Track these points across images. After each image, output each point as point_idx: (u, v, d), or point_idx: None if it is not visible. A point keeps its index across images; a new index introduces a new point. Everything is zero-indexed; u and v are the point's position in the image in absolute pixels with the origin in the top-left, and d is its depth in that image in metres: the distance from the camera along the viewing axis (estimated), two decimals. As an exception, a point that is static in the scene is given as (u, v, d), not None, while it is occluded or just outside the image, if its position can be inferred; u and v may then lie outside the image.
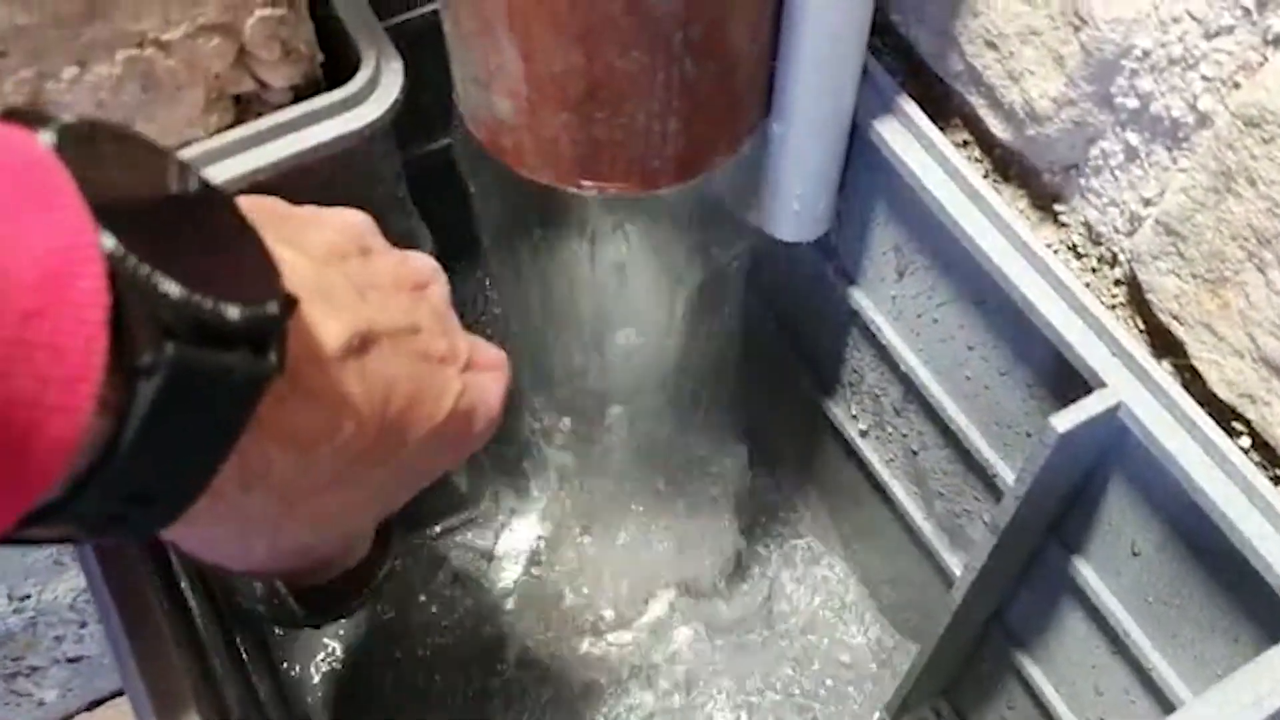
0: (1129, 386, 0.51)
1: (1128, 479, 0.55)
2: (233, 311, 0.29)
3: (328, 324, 0.36)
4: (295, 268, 0.36)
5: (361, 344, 0.38)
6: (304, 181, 0.61)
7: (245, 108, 0.60)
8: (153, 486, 0.30)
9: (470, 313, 0.97)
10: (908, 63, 0.63)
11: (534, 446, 0.94)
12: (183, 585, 0.56)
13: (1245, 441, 0.52)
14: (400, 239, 0.71)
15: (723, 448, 0.90)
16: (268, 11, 0.55)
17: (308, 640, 0.92)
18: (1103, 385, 0.52)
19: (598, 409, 0.86)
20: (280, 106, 0.60)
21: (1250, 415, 0.51)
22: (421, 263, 0.47)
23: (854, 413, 0.80)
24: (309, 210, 0.45)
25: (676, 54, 0.51)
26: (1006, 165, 0.60)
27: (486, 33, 0.52)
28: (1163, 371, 0.52)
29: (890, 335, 0.70)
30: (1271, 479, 0.52)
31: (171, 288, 0.28)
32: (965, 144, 0.62)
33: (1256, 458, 0.52)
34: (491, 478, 0.99)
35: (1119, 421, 0.52)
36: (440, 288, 0.47)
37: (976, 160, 0.62)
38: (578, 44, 0.50)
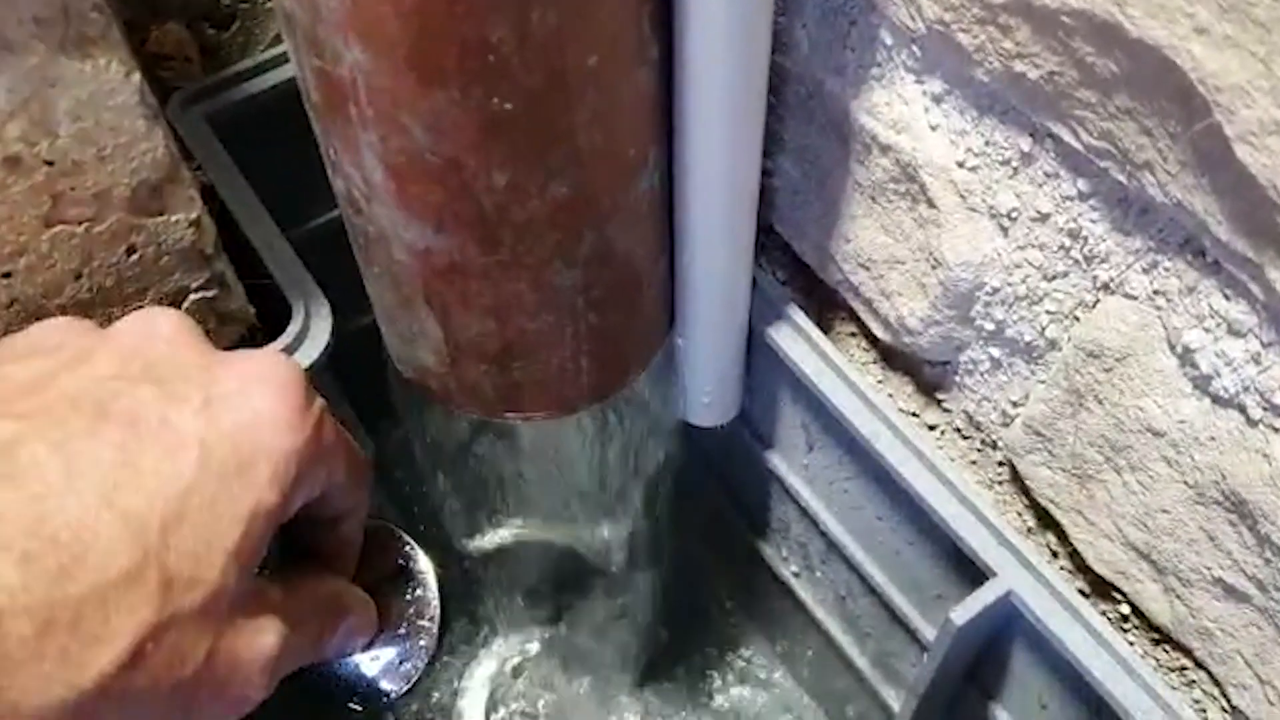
0: (1017, 575, 0.57)
1: (1027, 644, 0.60)
2: None
3: None
4: None
5: None
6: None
7: (186, 368, 0.64)
8: None
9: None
10: (794, 263, 0.69)
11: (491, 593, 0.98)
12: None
13: (1125, 608, 0.58)
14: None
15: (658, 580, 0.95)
16: (201, 294, 0.59)
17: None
18: (994, 574, 0.57)
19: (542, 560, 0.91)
20: (219, 363, 0.64)
21: (1125, 589, 0.57)
22: (133, 327, 0.44)
23: (785, 555, 0.85)
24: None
25: (581, 312, 0.56)
26: (891, 356, 0.66)
27: (407, 306, 0.57)
28: (1045, 559, 0.57)
29: (807, 497, 0.75)
30: (1151, 640, 0.58)
31: None
32: (853, 335, 0.68)
33: (1136, 622, 0.58)
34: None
35: (1010, 606, 0.57)
36: (164, 342, 0.43)
37: (864, 349, 0.67)
38: (490, 315, 0.55)
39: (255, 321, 0.65)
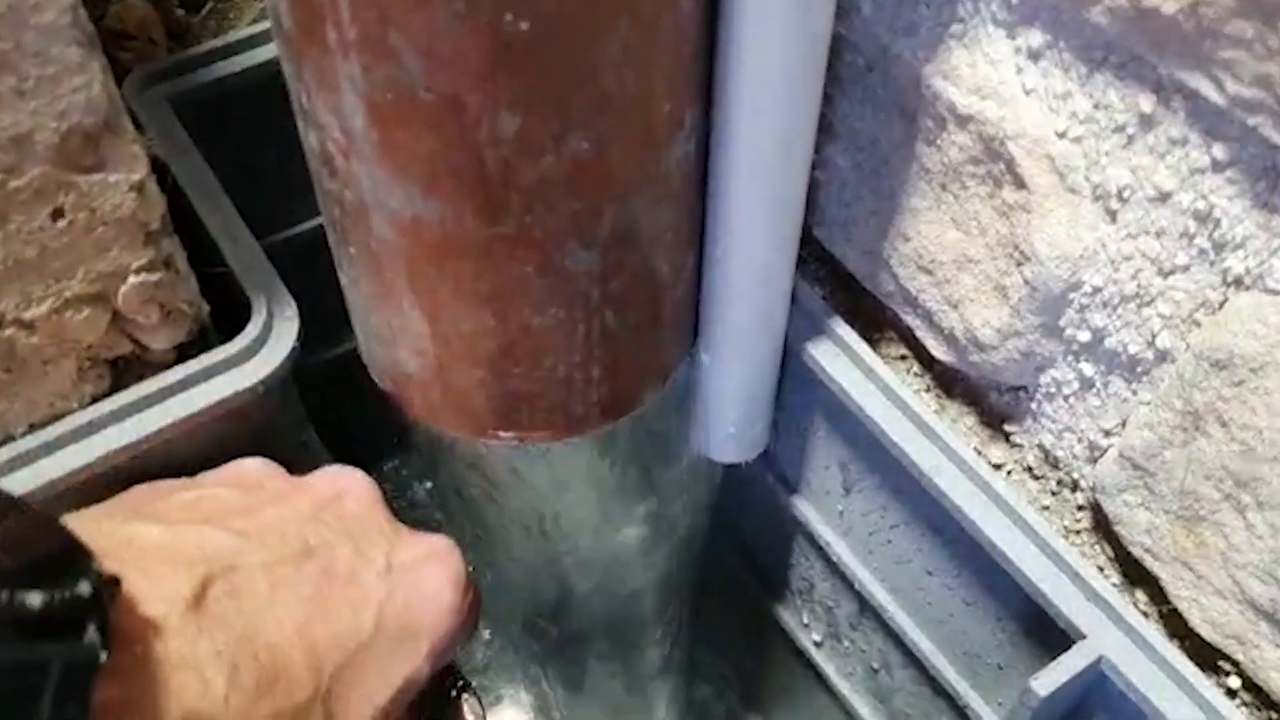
0: (1109, 637, 0.47)
1: (1114, 726, 0.51)
2: (34, 599, 0.29)
3: (165, 583, 0.36)
4: (138, 538, 0.38)
5: (204, 589, 0.38)
6: (193, 444, 0.56)
7: (124, 371, 0.54)
8: None
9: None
10: (834, 275, 0.60)
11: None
12: None
13: (1234, 681, 0.48)
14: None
15: (662, 658, 0.84)
16: (143, 277, 0.50)
17: None
18: (1082, 636, 0.48)
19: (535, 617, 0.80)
20: (163, 366, 0.54)
21: (1238, 657, 0.47)
22: (326, 481, 0.48)
23: (806, 622, 0.75)
24: (184, 480, 0.48)
25: (596, 307, 0.47)
26: (949, 383, 0.57)
27: (387, 296, 0.48)
28: (1142, 617, 0.48)
29: (840, 550, 0.65)
30: (1267, 723, 0.48)
31: None
32: (903, 358, 0.59)
33: (1248, 698, 0.48)
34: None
35: (1101, 673, 0.48)
36: (353, 501, 0.47)
37: (916, 375, 0.58)
38: (486, 306, 0.46)
39: (208, 320, 0.56)
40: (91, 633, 0.30)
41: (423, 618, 0.44)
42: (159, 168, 0.57)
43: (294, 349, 0.56)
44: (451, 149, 0.40)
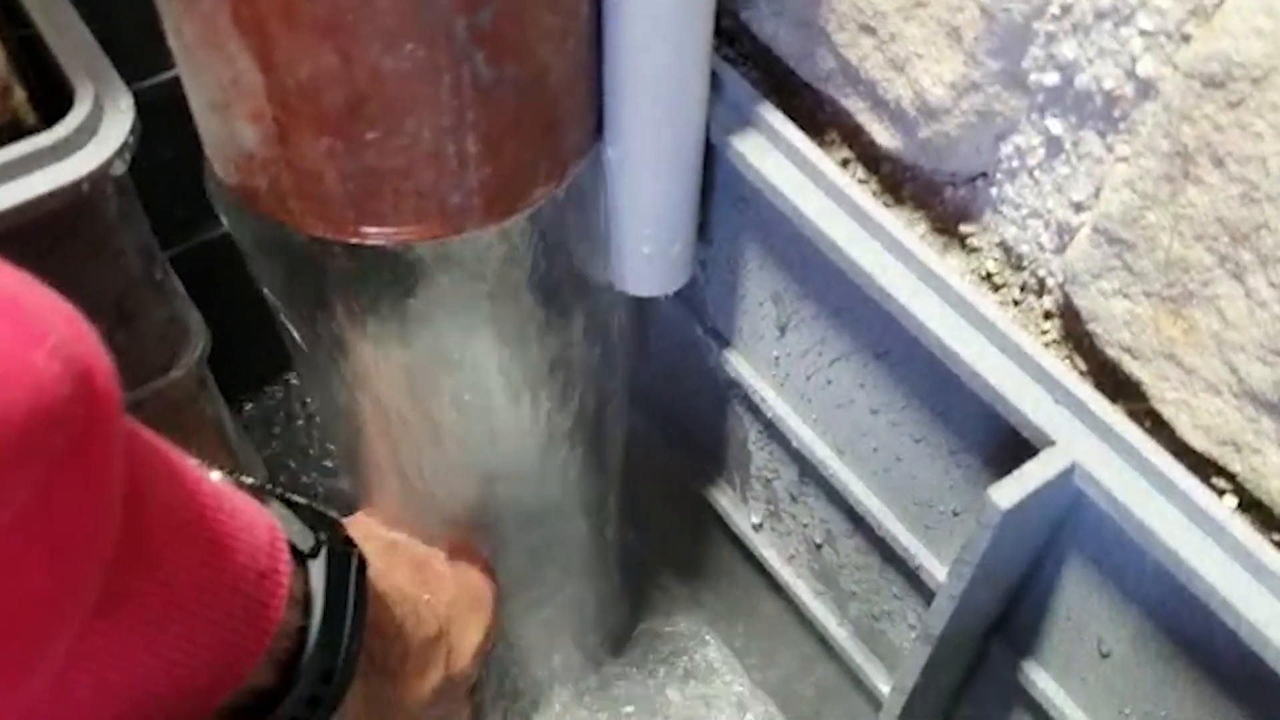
0: (1083, 442, 0.40)
1: (1089, 559, 0.43)
2: (332, 512, 0.42)
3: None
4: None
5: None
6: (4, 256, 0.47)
7: (-84, 164, 0.46)
8: (331, 664, 0.39)
9: (286, 431, 0.83)
10: (765, 70, 0.52)
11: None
12: None
13: (1230, 501, 0.41)
14: (163, 331, 0.57)
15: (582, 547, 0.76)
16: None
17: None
18: (1050, 443, 0.40)
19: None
20: (-35, 161, 0.46)
21: (1235, 467, 0.40)
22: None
23: (746, 498, 0.67)
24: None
25: (463, 48, 0.39)
26: (898, 183, 0.49)
27: (212, 37, 0.39)
28: (1123, 418, 0.40)
29: (777, 406, 0.57)
30: (1277, 544, 0.40)
31: (296, 498, 0.41)
32: (845, 163, 0.51)
33: (1245, 518, 0.41)
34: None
35: (1074, 487, 0.40)
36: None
37: (861, 181, 0.50)
38: (327, 39, 0.38)
39: (26, 112, 0.47)
40: (354, 547, 0.42)
41: (481, 592, 0.60)
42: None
43: (127, 143, 0.48)
44: None
